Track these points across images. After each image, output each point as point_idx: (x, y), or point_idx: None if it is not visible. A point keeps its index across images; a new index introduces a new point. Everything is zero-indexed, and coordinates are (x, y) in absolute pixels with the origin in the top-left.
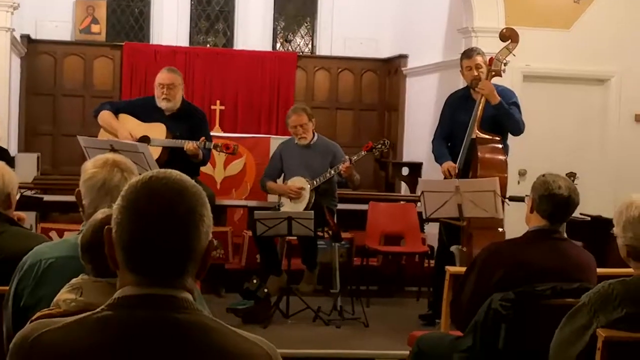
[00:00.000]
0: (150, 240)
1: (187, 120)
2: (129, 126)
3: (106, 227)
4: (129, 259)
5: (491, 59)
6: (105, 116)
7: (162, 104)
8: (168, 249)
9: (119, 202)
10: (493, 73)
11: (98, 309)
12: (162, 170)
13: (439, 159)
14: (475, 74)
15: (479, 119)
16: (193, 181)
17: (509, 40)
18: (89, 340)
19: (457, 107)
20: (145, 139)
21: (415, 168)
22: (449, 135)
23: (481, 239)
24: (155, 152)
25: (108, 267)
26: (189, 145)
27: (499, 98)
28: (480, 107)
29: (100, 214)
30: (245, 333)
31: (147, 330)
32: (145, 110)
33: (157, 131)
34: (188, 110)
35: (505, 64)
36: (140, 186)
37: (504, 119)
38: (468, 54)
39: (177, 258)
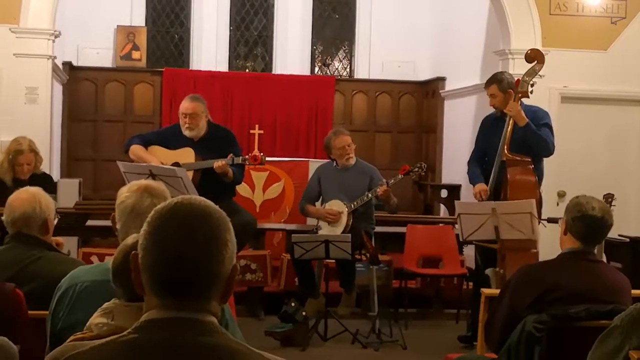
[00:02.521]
0: (175, 264)
1: (215, 143)
2: (159, 156)
3: (132, 252)
4: (154, 283)
5: (517, 81)
6: (135, 149)
7: (185, 132)
8: (192, 273)
9: (145, 227)
10: (520, 94)
11: (124, 332)
12: (188, 196)
13: (472, 181)
14: (491, 102)
15: (509, 141)
16: (217, 207)
17: (535, 62)
18: None
19: (490, 129)
20: (176, 166)
21: (454, 190)
22: (483, 157)
23: (514, 260)
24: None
25: (135, 291)
26: (218, 163)
27: (527, 120)
28: (509, 129)
29: (130, 239)
30: (272, 356)
31: (171, 353)
32: (173, 138)
33: (187, 156)
34: (215, 133)
35: (532, 85)
36: (165, 212)
37: (532, 140)
38: (485, 84)
39: (201, 282)
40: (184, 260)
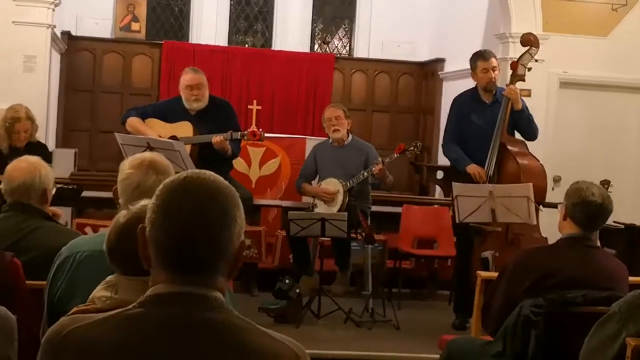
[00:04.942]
0: (183, 239)
1: (214, 115)
2: (157, 128)
3: (140, 225)
4: (161, 258)
5: (514, 64)
6: (132, 122)
7: (193, 105)
8: (200, 248)
9: (154, 201)
10: (517, 78)
11: (129, 306)
12: (197, 170)
13: (460, 162)
14: (491, 76)
15: (506, 123)
16: (227, 182)
17: (530, 46)
18: (119, 337)
19: (469, 110)
20: (174, 140)
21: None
22: (460, 138)
23: (526, 244)
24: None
25: (136, 269)
26: (216, 138)
27: (521, 104)
28: (507, 111)
29: (122, 218)
30: (274, 333)
31: (177, 328)
32: (171, 112)
33: (184, 130)
34: (213, 105)
35: (528, 69)
36: (174, 186)
37: (524, 124)
38: (484, 55)
39: (209, 257)
40: (192, 235)
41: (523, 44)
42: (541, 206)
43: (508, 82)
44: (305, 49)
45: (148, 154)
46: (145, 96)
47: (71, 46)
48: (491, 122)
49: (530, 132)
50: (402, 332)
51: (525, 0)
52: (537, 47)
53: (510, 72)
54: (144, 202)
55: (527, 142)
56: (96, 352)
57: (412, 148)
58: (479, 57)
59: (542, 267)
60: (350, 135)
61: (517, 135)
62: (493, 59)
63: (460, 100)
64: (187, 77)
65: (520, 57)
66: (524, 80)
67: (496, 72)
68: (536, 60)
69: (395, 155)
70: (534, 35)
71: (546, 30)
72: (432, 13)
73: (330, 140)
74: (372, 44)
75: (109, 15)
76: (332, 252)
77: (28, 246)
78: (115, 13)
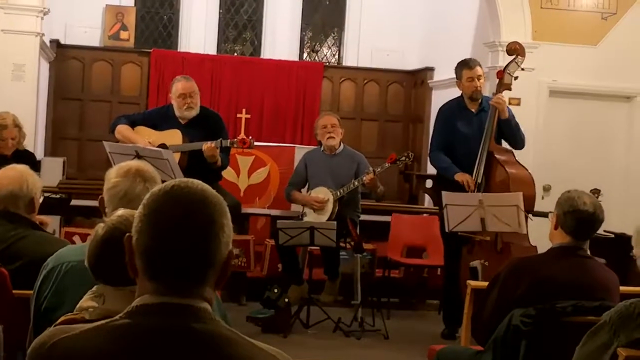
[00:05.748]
0: (170, 248)
1: (203, 125)
2: (146, 136)
3: (127, 234)
4: (148, 267)
5: (500, 72)
6: (122, 129)
7: (185, 113)
8: (187, 257)
9: (140, 210)
10: (503, 87)
11: (116, 317)
12: (184, 179)
13: (449, 171)
14: (477, 85)
15: (494, 132)
16: (214, 191)
17: (516, 54)
18: (105, 348)
19: (456, 118)
20: (163, 147)
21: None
22: (447, 147)
23: (515, 253)
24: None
25: (120, 280)
26: (207, 145)
27: (508, 113)
28: (494, 120)
29: (100, 230)
30: (262, 344)
31: (163, 339)
32: (161, 120)
33: (174, 138)
34: (203, 115)
35: (515, 78)
36: (161, 195)
37: (511, 132)
38: (469, 64)
39: (197, 267)
40: (179, 244)
41: (509, 52)
42: (530, 215)
43: (495, 90)
44: (295, 57)
45: (134, 162)
46: (134, 104)
47: (60, 54)
48: (477, 130)
49: (518, 141)
50: (391, 342)
51: (514, 8)
52: (523, 55)
53: (497, 81)
54: (120, 211)
55: (514, 151)
56: None
57: (403, 158)
58: (464, 66)
59: (534, 276)
60: (342, 144)
61: (505, 144)
62: (478, 68)
63: (446, 109)
64: (179, 85)
65: (507, 65)
66: (510, 89)
67: (481, 81)
68: (522, 69)
69: (387, 165)
70: (520, 44)
71: (536, 39)
72: (421, 21)
73: (322, 149)
74: (361, 53)
75: (97, 23)
76: (321, 261)
77: (15, 255)
78: (104, 21)
